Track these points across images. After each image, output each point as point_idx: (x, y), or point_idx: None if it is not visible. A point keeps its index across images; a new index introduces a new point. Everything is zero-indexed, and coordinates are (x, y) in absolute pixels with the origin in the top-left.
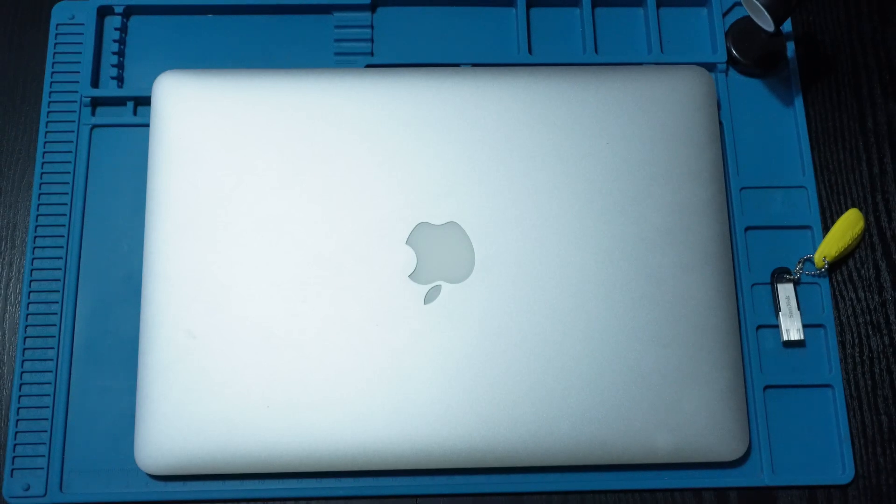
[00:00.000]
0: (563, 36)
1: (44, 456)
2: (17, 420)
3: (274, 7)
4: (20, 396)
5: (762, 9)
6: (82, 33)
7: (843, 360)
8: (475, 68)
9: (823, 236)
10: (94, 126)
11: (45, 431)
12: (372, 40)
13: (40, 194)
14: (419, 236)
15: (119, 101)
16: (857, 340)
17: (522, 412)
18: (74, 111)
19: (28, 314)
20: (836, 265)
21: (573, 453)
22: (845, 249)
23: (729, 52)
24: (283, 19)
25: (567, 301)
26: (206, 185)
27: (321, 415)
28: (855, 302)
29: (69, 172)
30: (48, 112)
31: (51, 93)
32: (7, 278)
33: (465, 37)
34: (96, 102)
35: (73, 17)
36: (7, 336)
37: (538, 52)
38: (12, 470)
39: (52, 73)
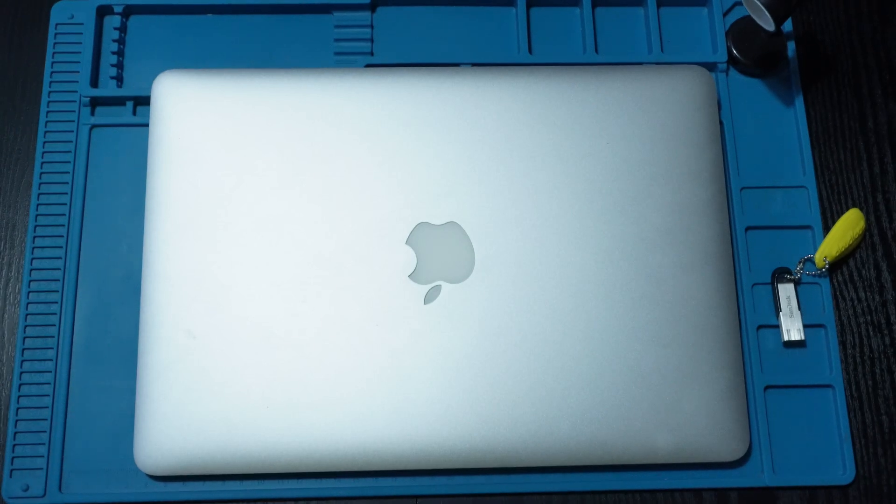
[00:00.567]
0: (563, 36)
1: (43, 456)
2: (17, 420)
3: (274, 7)
4: (19, 397)
5: (763, 8)
6: (82, 33)
7: (843, 361)
8: (475, 68)
9: (824, 236)
10: (94, 126)
11: (45, 432)
12: (372, 40)
13: (39, 194)
14: (419, 236)
15: (118, 101)
16: (857, 341)
17: (522, 412)
18: (74, 111)
19: (27, 314)
20: (836, 265)
21: (573, 453)
22: (846, 249)
23: (729, 52)
24: (282, 19)
25: (567, 301)
26: (206, 185)
27: (321, 415)
28: (856, 302)
29: (68, 172)
30: (47, 112)
31: (50, 92)
32: (6, 278)
33: (465, 37)
34: (96, 102)
35: (72, 17)
36: (6, 336)
37: (538, 51)
38: (11, 470)
39: (52, 72)
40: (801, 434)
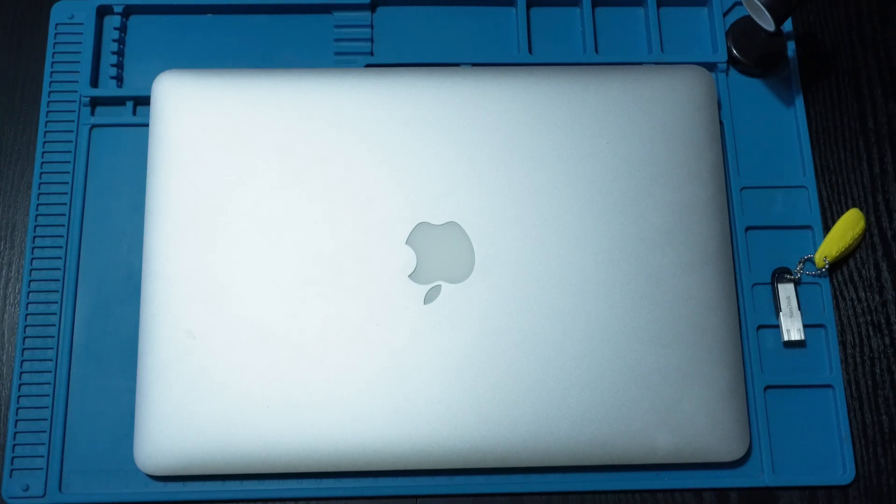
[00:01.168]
0: (563, 36)
1: (43, 456)
2: (17, 420)
3: (274, 7)
4: (19, 397)
5: (763, 8)
6: (81, 33)
7: (843, 361)
8: (475, 68)
9: (824, 236)
10: (94, 126)
11: (45, 432)
12: (372, 40)
13: (39, 194)
14: (419, 236)
15: (118, 101)
16: (857, 341)
17: (522, 412)
18: (74, 111)
19: (27, 314)
20: (836, 265)
21: (573, 453)
22: (846, 249)
23: (729, 52)
24: (282, 19)
25: (567, 301)
26: (206, 185)
27: (321, 415)
28: (856, 302)
29: (68, 172)
30: (47, 112)
31: (50, 92)
32: (6, 278)
33: (465, 37)
34: (96, 102)
35: (72, 17)
36: (6, 336)
37: (538, 51)
38: (11, 470)
39: (52, 72)
40: (800, 434)
